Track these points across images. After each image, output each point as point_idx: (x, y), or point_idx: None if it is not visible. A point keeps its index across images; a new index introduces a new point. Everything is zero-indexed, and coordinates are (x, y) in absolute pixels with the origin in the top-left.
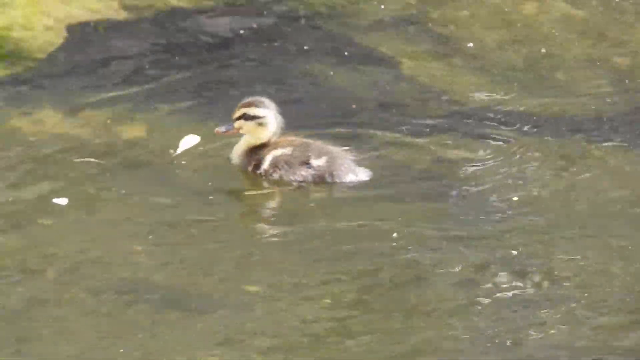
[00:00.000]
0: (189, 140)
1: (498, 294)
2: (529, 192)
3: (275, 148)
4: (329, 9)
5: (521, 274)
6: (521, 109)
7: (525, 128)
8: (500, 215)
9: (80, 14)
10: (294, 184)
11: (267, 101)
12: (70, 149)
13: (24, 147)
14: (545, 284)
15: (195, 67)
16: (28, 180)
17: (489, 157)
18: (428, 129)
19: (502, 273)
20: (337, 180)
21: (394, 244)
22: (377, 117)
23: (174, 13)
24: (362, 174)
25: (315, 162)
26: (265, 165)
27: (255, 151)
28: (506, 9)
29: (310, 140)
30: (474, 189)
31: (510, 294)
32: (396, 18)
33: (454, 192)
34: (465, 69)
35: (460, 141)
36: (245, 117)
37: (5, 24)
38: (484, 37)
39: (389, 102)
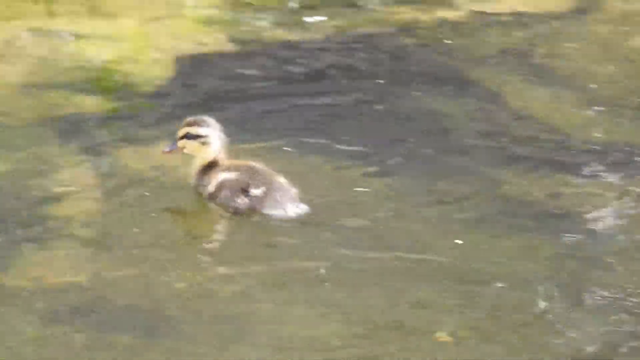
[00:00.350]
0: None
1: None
2: (633, 233)
3: (222, 171)
4: (436, 43)
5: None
6: (627, 143)
7: (632, 163)
8: (605, 258)
9: (188, 47)
10: (230, 210)
11: (210, 120)
12: (172, 181)
13: (129, 179)
14: None
15: (302, 99)
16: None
17: (594, 193)
18: (529, 162)
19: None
20: (265, 213)
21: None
22: (479, 148)
23: (283, 45)
24: (292, 210)
25: (253, 191)
26: (211, 188)
27: (207, 172)
28: (614, 42)
29: (258, 167)
30: (575, 226)
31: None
32: (503, 51)
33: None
34: (572, 103)
35: (561, 176)
36: (188, 136)
37: (114, 58)
38: (592, 70)
39: (493, 133)
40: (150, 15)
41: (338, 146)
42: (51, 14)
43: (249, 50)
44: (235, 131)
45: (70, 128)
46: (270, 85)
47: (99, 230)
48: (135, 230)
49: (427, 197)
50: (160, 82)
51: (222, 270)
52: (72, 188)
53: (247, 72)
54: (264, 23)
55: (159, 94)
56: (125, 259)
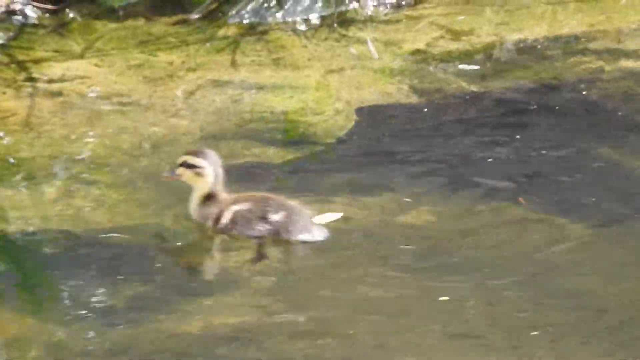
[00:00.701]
0: (329, 217)
1: None
2: None
3: (234, 203)
4: (621, 94)
5: None
6: None
7: None
8: None
9: (370, 98)
10: (252, 239)
11: (209, 153)
12: (352, 234)
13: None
14: None
15: (481, 150)
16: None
17: None
18: None
19: None
20: (292, 238)
21: None
22: None
23: (465, 96)
24: (318, 234)
25: (273, 217)
26: (225, 220)
27: (210, 205)
28: None
29: (271, 195)
30: None
31: None
32: None
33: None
34: None
35: None
36: (185, 165)
37: (296, 108)
38: None
39: None
40: (333, 66)
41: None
42: (234, 65)
43: (433, 101)
44: (412, 182)
45: (250, 178)
46: (450, 136)
47: (270, 279)
48: (294, 278)
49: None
50: (342, 132)
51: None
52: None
53: (430, 123)
54: (447, 74)
55: (340, 145)
56: (290, 305)
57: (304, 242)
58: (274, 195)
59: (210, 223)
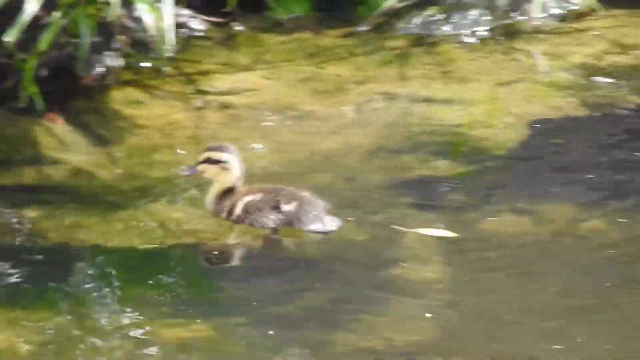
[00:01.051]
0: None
1: None
2: None
3: (246, 195)
4: None
5: None
6: None
7: None
8: None
9: (541, 111)
10: (267, 229)
11: (231, 147)
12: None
13: (475, 244)
14: None
15: None
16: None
17: None
18: None
19: None
20: (303, 228)
21: None
22: None
23: (636, 110)
24: (330, 224)
25: (284, 207)
26: (238, 211)
27: (227, 198)
28: None
29: (282, 187)
30: None
31: None
32: None
33: None
34: None
35: None
36: (210, 161)
37: (466, 122)
38: None
39: None
40: (502, 79)
41: None
42: (404, 78)
43: (603, 115)
44: (593, 195)
45: (423, 191)
46: (622, 149)
47: (444, 293)
48: (475, 297)
49: None
50: (512, 145)
51: None
52: (420, 252)
53: (602, 136)
54: (616, 87)
55: (511, 158)
56: (465, 320)
57: (316, 232)
58: (285, 187)
59: (224, 215)
